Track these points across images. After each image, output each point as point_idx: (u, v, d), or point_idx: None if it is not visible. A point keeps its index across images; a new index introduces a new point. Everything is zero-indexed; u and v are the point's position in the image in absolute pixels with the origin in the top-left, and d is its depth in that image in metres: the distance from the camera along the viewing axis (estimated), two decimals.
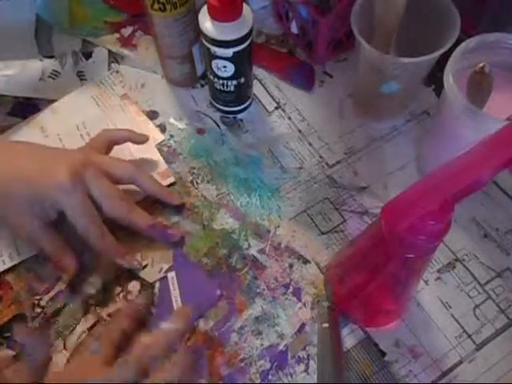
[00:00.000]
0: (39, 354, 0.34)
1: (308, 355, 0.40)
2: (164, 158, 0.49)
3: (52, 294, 0.42)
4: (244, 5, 0.42)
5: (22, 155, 0.41)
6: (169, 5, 0.43)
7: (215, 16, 0.41)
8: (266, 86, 0.54)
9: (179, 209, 0.46)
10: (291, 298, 0.42)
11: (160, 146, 0.50)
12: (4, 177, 0.39)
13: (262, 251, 0.44)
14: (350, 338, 0.41)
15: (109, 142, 0.45)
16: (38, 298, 0.42)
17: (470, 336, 0.41)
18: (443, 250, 0.44)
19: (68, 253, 0.42)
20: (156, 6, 0.44)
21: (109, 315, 0.41)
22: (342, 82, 0.54)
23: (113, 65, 0.55)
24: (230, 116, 0.52)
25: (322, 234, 0.45)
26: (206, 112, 0.52)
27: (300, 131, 0.51)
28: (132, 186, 0.44)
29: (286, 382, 0.39)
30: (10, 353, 0.40)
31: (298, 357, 0.40)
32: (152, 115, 0.52)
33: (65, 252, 0.42)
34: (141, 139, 0.47)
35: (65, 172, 0.39)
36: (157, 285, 0.43)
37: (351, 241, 0.43)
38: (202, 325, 0.41)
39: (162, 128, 0.51)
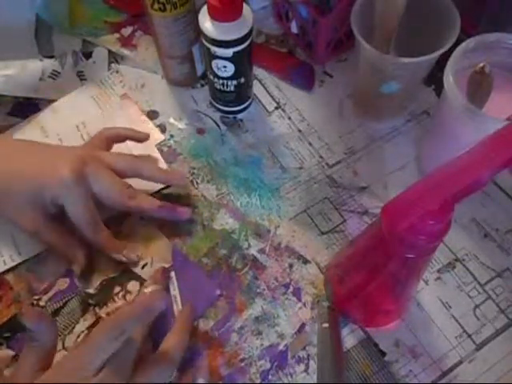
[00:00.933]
0: (48, 340, 0.33)
1: (308, 355, 0.40)
2: (164, 158, 0.49)
3: (51, 293, 0.42)
4: (244, 5, 0.42)
5: (23, 154, 0.42)
6: (169, 5, 0.43)
7: (215, 16, 0.41)
8: (266, 86, 0.54)
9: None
10: (291, 298, 0.42)
11: (160, 146, 0.50)
12: (4, 174, 0.40)
13: (261, 251, 0.44)
14: (349, 338, 0.41)
15: (109, 139, 0.45)
16: (36, 297, 0.42)
17: (470, 336, 0.41)
18: (443, 250, 0.44)
19: (76, 244, 0.42)
20: (156, 5, 0.44)
21: (107, 315, 0.41)
22: (342, 82, 0.54)
23: (113, 65, 0.55)
24: (230, 116, 0.52)
25: (322, 233, 0.45)
26: (206, 112, 0.52)
27: (300, 131, 0.51)
28: None
29: (286, 382, 0.39)
30: (10, 353, 0.40)
31: (298, 357, 0.40)
32: (152, 115, 0.52)
33: (73, 244, 0.42)
34: (141, 137, 0.47)
35: (66, 168, 0.39)
36: None
37: (351, 241, 0.43)
38: (202, 325, 0.41)
39: (162, 128, 0.51)
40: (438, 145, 0.45)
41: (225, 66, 0.45)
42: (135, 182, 0.44)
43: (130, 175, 0.43)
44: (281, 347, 0.40)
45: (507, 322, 0.41)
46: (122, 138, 0.46)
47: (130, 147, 0.48)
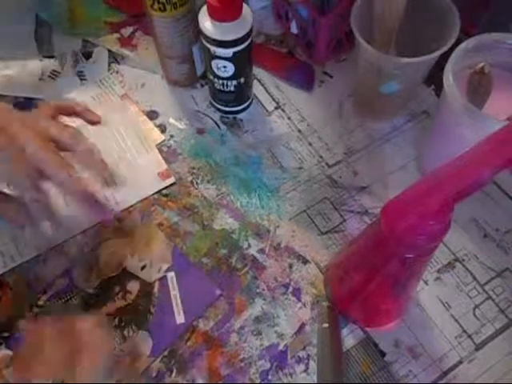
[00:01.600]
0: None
1: (308, 355, 0.40)
2: (164, 158, 0.49)
3: (50, 293, 0.42)
4: (244, 5, 0.42)
5: None
6: (169, 5, 0.43)
7: (215, 16, 0.41)
8: (266, 86, 0.54)
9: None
10: (291, 298, 0.42)
11: (160, 146, 0.50)
12: None
13: (261, 251, 0.44)
14: (349, 338, 0.41)
15: (54, 110, 0.42)
16: (36, 297, 0.42)
17: (469, 336, 0.41)
18: (443, 250, 0.44)
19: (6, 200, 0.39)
20: (156, 5, 0.44)
21: (108, 314, 0.41)
22: (341, 82, 0.54)
23: (113, 65, 0.55)
24: (230, 116, 0.52)
25: (322, 234, 0.45)
26: (206, 112, 0.52)
27: (300, 131, 0.51)
28: None
29: (285, 382, 0.39)
30: (9, 353, 0.40)
31: (298, 357, 0.40)
32: (152, 115, 0.52)
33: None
34: (92, 119, 0.44)
35: None
36: (156, 284, 0.43)
37: (351, 241, 0.43)
38: (202, 325, 0.41)
39: (162, 128, 0.51)
40: (437, 145, 0.45)
41: (225, 66, 0.45)
42: (135, 183, 0.44)
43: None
44: (281, 347, 0.40)
45: (507, 322, 0.41)
46: (69, 112, 0.43)
47: (131, 148, 0.48)
